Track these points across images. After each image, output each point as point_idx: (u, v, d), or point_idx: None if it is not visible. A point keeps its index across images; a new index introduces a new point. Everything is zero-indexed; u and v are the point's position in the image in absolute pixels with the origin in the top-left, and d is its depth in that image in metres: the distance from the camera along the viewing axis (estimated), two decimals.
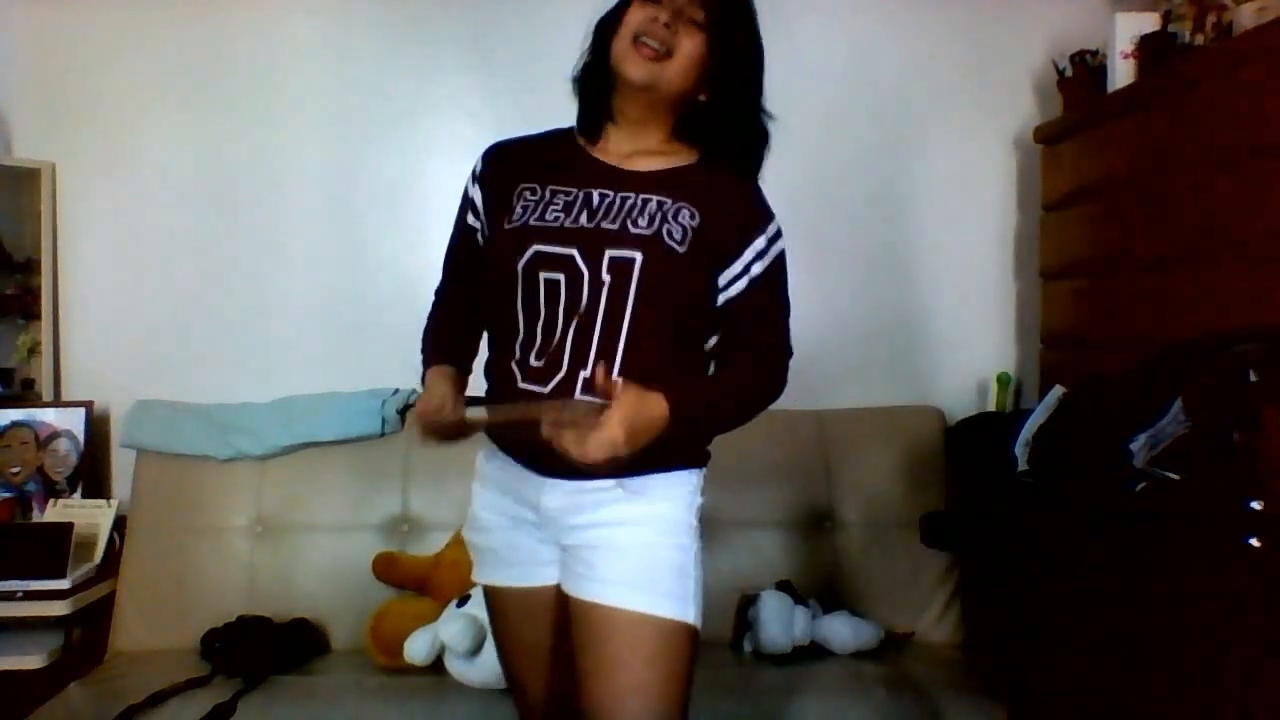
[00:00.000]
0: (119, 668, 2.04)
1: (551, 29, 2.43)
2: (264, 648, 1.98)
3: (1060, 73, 2.27)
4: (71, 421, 2.32)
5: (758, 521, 2.25)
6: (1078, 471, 1.64)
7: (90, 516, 2.22)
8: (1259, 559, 1.28)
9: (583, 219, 1.27)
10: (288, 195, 2.44)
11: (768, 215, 1.33)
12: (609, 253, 1.23)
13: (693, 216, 1.27)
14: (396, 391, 2.32)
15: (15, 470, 2.29)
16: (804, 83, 2.44)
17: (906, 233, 2.48)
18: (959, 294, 2.49)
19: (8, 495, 2.27)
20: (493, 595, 1.42)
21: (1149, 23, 2.01)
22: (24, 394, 2.38)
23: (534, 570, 1.36)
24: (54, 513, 2.23)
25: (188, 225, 2.43)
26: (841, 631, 2.06)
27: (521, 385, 1.27)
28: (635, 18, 1.24)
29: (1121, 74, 2.05)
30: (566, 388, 1.23)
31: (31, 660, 1.98)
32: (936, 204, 2.48)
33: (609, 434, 1.11)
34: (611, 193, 1.28)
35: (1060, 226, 2.26)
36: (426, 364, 1.42)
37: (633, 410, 1.14)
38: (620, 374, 1.21)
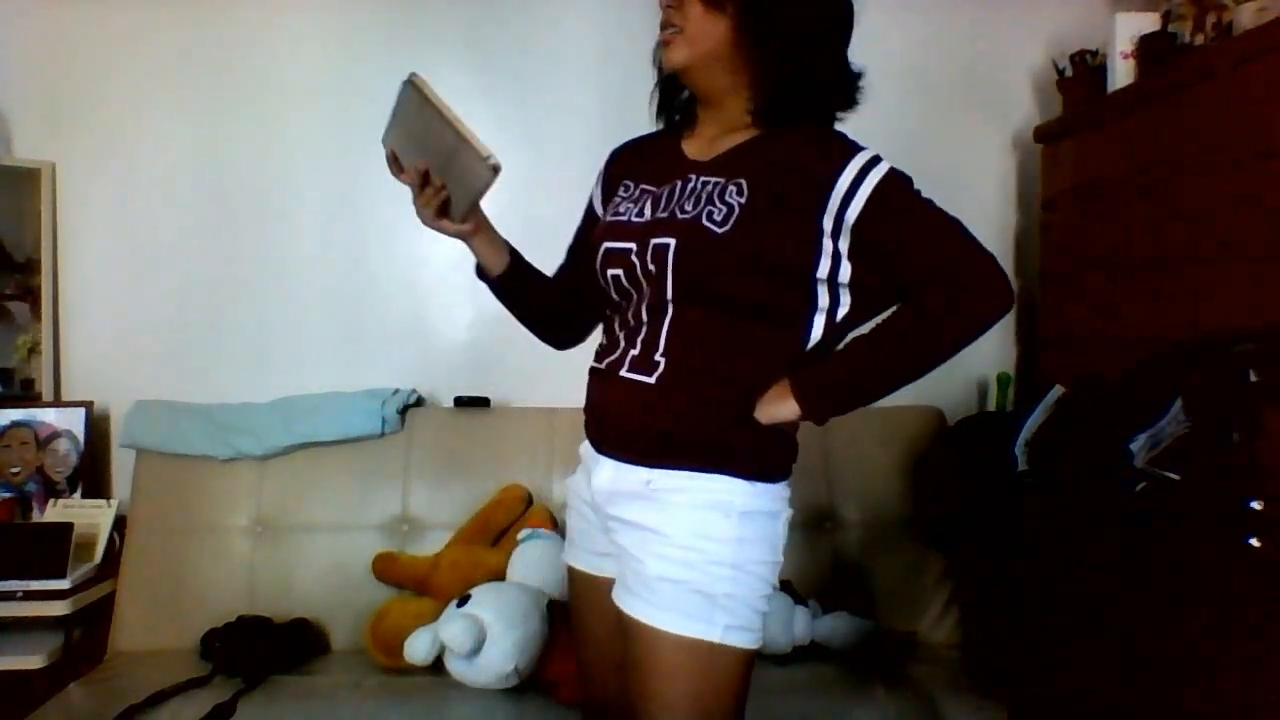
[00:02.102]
0: (119, 668, 2.04)
1: (551, 30, 2.44)
2: (264, 648, 1.97)
3: (1060, 73, 2.27)
4: (71, 421, 2.32)
5: None
6: (1078, 471, 1.64)
7: (90, 516, 2.22)
8: (1259, 559, 1.28)
9: (646, 212, 1.27)
10: (288, 195, 2.44)
11: (845, 154, 1.21)
12: (652, 242, 1.22)
13: (740, 192, 1.20)
14: (396, 391, 2.32)
15: (15, 470, 2.29)
16: None
17: None
18: None
19: (8, 495, 2.27)
20: (568, 577, 1.43)
21: (1149, 23, 2.02)
22: (24, 394, 2.38)
23: (595, 558, 1.36)
24: (54, 513, 2.23)
25: (188, 225, 2.43)
26: (841, 631, 2.06)
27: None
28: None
29: (1121, 74, 2.05)
30: None
31: (31, 660, 1.98)
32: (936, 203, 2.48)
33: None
34: (679, 183, 1.27)
35: (1060, 226, 2.26)
36: None
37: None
38: (664, 356, 1.22)
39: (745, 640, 1.20)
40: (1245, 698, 1.30)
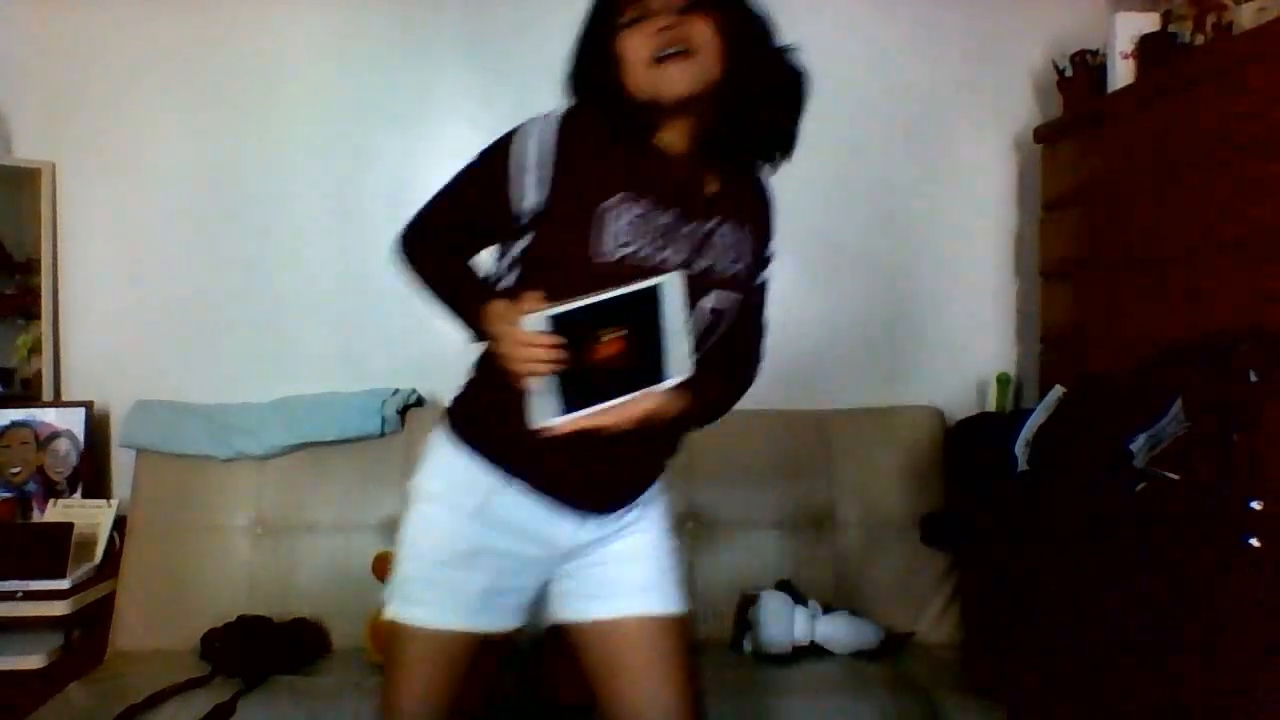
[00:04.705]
0: (119, 668, 2.04)
1: (552, 30, 2.43)
2: (264, 648, 1.97)
3: (1060, 73, 2.27)
4: (71, 421, 2.32)
5: (758, 521, 2.25)
6: (1078, 471, 1.64)
7: (90, 516, 2.22)
8: (1259, 559, 1.28)
9: (684, 255, 1.25)
10: (288, 195, 2.44)
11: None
12: (705, 305, 1.26)
13: (748, 242, 1.29)
14: (396, 391, 2.32)
15: (15, 470, 2.29)
16: None
17: (906, 232, 2.48)
18: (959, 294, 2.49)
19: (8, 495, 2.27)
20: (425, 639, 1.26)
21: (1149, 23, 2.02)
22: (24, 394, 2.38)
23: (500, 617, 1.28)
24: (54, 513, 2.23)
25: (188, 225, 2.43)
26: (841, 631, 2.06)
27: None
28: (637, 42, 1.14)
29: (1121, 74, 2.05)
30: None
31: (31, 660, 1.98)
32: (936, 204, 2.48)
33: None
34: (709, 226, 1.24)
35: (1060, 226, 2.26)
36: None
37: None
38: None
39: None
40: (1245, 698, 1.30)
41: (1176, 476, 1.40)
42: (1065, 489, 1.66)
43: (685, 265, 1.17)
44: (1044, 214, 2.33)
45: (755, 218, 1.28)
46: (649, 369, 1.10)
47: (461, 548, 1.25)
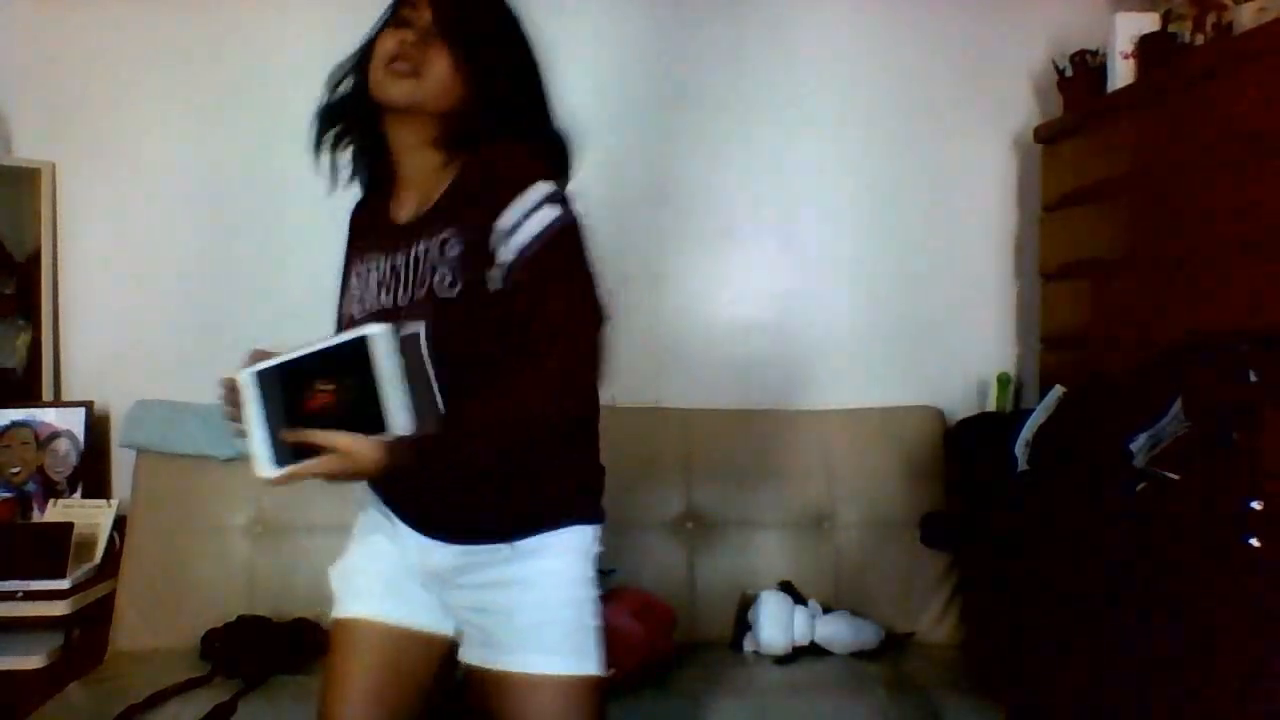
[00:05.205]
0: (119, 668, 2.04)
1: (553, 32, 2.43)
2: (264, 648, 1.97)
3: (1060, 73, 2.27)
4: (71, 421, 2.32)
5: (758, 521, 2.25)
6: (1078, 471, 1.64)
7: (90, 516, 2.22)
8: (1259, 559, 1.28)
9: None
10: (288, 195, 2.43)
11: (523, 180, 1.16)
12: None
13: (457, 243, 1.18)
14: None
15: (15, 470, 2.29)
16: (803, 83, 2.44)
17: (906, 232, 2.48)
18: (959, 294, 2.49)
19: (8, 495, 2.27)
20: (342, 630, 1.34)
21: (1149, 23, 2.01)
22: (24, 394, 2.38)
23: (407, 609, 1.32)
24: (54, 513, 2.23)
25: (188, 225, 2.43)
26: (841, 631, 2.06)
27: None
28: (386, 44, 1.26)
29: (1121, 74, 2.05)
30: None
31: (31, 660, 1.98)
32: (936, 204, 2.48)
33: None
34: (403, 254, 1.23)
35: (1060, 226, 2.26)
36: None
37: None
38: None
39: (601, 668, 1.26)
40: (1245, 698, 1.30)
41: (1176, 476, 1.40)
42: (1065, 489, 1.65)
43: (393, 305, 1.21)
44: (1044, 214, 2.33)
45: (481, 212, 1.16)
46: (369, 421, 1.09)
47: (362, 537, 1.39)
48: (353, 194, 1.42)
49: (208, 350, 2.44)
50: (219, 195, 2.43)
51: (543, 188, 1.15)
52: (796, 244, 2.47)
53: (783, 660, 2.02)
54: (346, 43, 2.47)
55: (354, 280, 1.32)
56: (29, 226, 2.38)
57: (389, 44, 1.25)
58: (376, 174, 1.35)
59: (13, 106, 2.39)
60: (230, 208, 2.43)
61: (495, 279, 1.15)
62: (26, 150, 2.39)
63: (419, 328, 1.16)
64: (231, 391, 1.18)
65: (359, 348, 1.10)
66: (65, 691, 1.90)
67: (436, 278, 1.17)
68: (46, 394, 2.38)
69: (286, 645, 2.01)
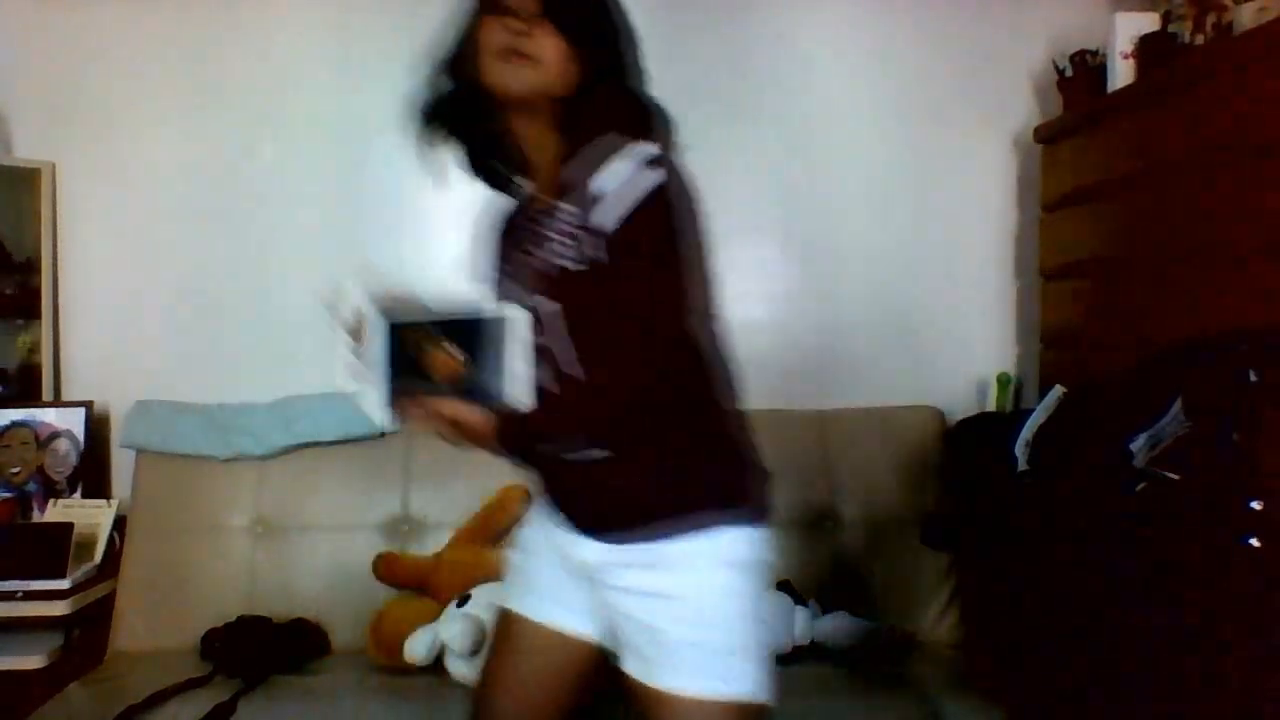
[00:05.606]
0: (119, 668, 2.04)
1: None
2: (264, 648, 1.98)
3: (1060, 73, 2.27)
4: (71, 421, 2.32)
5: None
6: (1078, 472, 1.64)
7: (90, 516, 2.22)
8: (1259, 559, 1.28)
9: None
10: (288, 195, 2.44)
11: (616, 143, 1.13)
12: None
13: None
14: None
15: (15, 470, 2.29)
16: (803, 83, 2.44)
17: (906, 232, 2.48)
18: (959, 294, 2.49)
19: (8, 495, 2.27)
20: (506, 623, 1.38)
21: (1149, 23, 2.01)
22: (24, 394, 2.38)
23: (562, 611, 1.32)
24: (54, 513, 2.23)
25: (188, 225, 2.43)
26: (841, 631, 2.06)
27: None
28: (494, 35, 1.19)
29: (1121, 74, 2.05)
30: None
31: (31, 660, 1.98)
32: (936, 204, 2.48)
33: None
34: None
35: (1060, 226, 2.26)
36: None
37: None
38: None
39: (766, 691, 1.20)
40: (1246, 698, 1.30)
41: (1176, 476, 1.40)
42: (1065, 489, 1.65)
43: (524, 284, 1.21)
44: (1044, 214, 2.33)
45: (591, 191, 1.14)
46: (482, 394, 1.14)
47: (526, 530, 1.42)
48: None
49: (208, 350, 2.45)
50: (219, 195, 2.43)
51: (635, 151, 1.13)
52: (796, 244, 2.47)
53: (783, 660, 2.01)
54: (347, 43, 2.50)
55: (496, 260, 1.34)
56: (29, 226, 2.38)
57: (497, 34, 1.18)
58: (495, 166, 1.34)
59: (13, 106, 2.40)
60: (230, 208, 2.43)
61: (600, 250, 1.13)
62: (26, 150, 2.40)
63: (535, 306, 1.18)
64: (353, 324, 1.23)
65: (495, 326, 1.14)
66: (65, 691, 1.90)
67: (561, 254, 1.17)
68: (46, 394, 2.38)
69: (286, 645, 2.01)
